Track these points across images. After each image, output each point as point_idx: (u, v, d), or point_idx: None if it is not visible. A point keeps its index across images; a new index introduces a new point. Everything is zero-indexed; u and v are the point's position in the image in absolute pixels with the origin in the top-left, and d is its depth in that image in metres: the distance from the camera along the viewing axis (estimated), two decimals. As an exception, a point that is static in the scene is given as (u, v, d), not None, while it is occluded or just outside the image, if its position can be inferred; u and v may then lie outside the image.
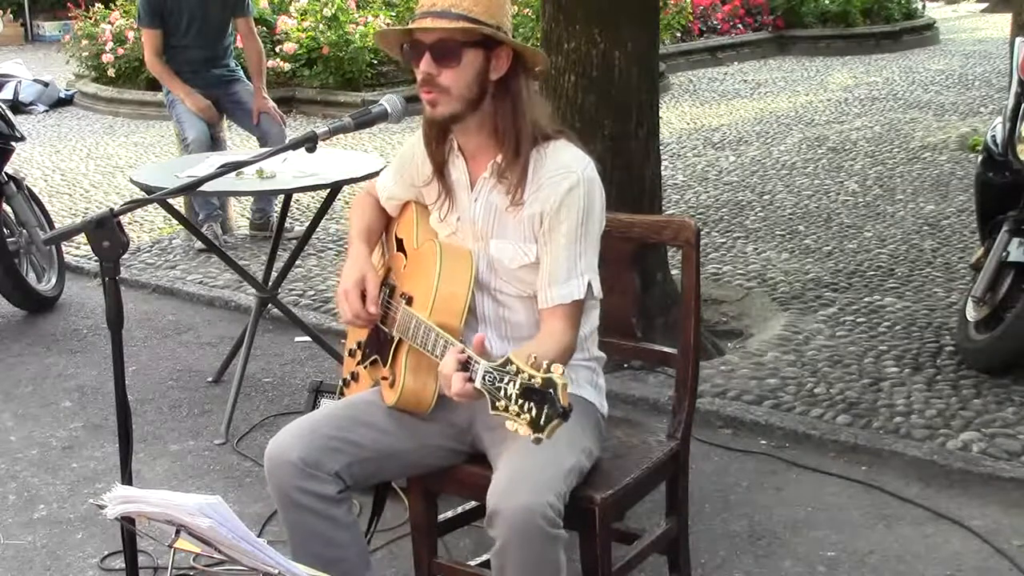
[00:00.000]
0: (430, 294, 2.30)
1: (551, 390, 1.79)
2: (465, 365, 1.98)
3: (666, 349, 2.75)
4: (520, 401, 1.82)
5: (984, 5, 19.04)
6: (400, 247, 2.54)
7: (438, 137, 2.39)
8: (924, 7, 16.09)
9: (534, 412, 1.80)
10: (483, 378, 1.91)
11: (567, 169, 2.28)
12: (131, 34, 10.44)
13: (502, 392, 1.85)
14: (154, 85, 8.74)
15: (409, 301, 2.36)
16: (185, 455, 3.75)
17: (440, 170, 2.41)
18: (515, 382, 1.83)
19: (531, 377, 1.82)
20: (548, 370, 1.82)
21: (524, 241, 2.33)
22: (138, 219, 6.57)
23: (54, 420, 4.05)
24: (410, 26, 2.27)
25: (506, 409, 1.84)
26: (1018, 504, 3.28)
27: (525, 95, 2.30)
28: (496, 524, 2.11)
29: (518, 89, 2.29)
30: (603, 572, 2.35)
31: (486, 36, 2.23)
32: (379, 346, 2.46)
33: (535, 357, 1.85)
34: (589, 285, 2.30)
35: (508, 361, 1.87)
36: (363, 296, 2.41)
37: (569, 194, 2.27)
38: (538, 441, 1.81)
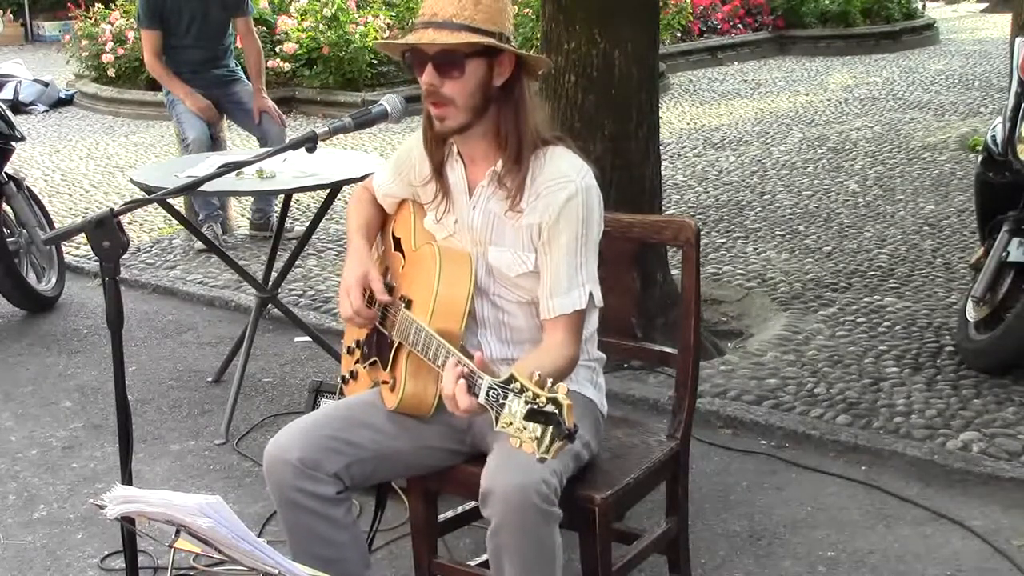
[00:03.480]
0: (430, 299, 2.29)
1: (556, 411, 1.78)
2: (468, 380, 1.97)
3: (666, 349, 2.75)
4: (525, 422, 1.81)
5: (984, 5, 19.04)
6: (397, 246, 2.54)
7: (437, 138, 2.39)
8: (924, 7, 16.09)
9: (539, 432, 1.79)
10: (487, 394, 1.91)
11: (565, 178, 2.28)
12: (131, 34, 10.44)
13: (507, 409, 1.84)
14: (154, 85, 8.74)
15: (408, 305, 2.35)
16: (185, 455, 3.75)
17: (439, 170, 2.41)
18: (519, 400, 1.82)
19: (535, 396, 1.81)
20: (553, 390, 1.81)
21: (523, 250, 2.33)
22: (138, 219, 6.57)
23: (54, 420, 4.05)
24: (411, 40, 2.24)
25: (510, 426, 1.83)
26: (1018, 504, 3.28)
27: (528, 98, 2.30)
28: (490, 503, 2.11)
29: (521, 93, 2.29)
30: (603, 572, 2.35)
31: (488, 46, 2.22)
32: (379, 348, 2.45)
33: (539, 374, 1.84)
34: (591, 295, 2.30)
35: (512, 378, 1.86)
36: (365, 293, 2.41)
37: (567, 204, 2.26)
38: (543, 460, 1.80)
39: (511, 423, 1.83)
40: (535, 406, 1.80)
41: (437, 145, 2.39)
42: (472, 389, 1.96)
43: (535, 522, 2.09)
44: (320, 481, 2.29)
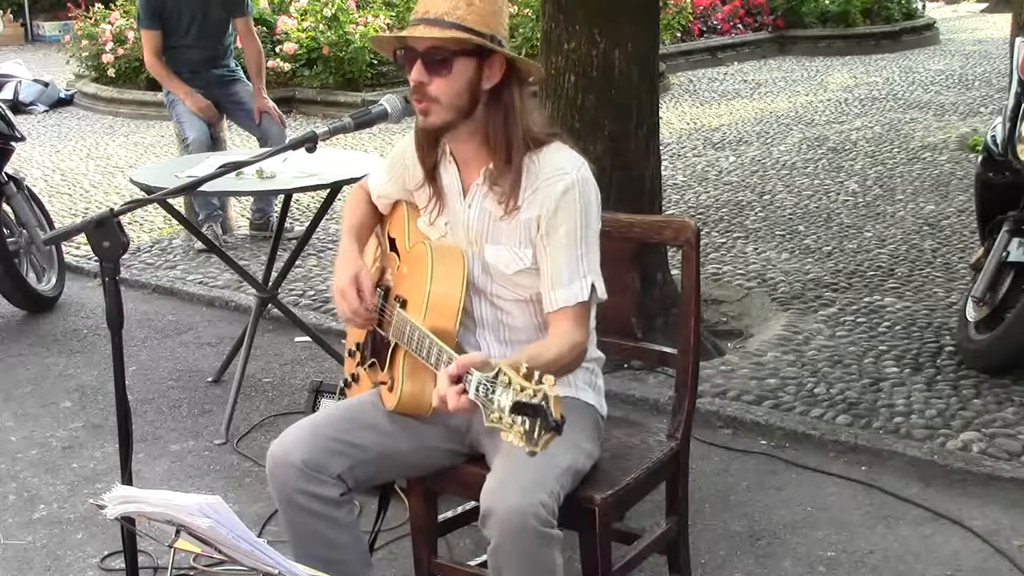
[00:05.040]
0: (423, 297, 2.30)
1: (543, 403, 1.78)
2: (458, 377, 1.97)
3: (666, 349, 2.74)
4: (513, 415, 1.80)
5: (984, 5, 19.04)
6: (393, 247, 2.54)
7: (429, 142, 2.38)
8: (924, 7, 16.09)
9: (527, 425, 1.78)
10: (476, 389, 1.90)
11: (561, 171, 2.27)
12: (131, 34, 10.44)
13: (495, 404, 1.84)
14: (154, 85, 8.74)
15: (403, 304, 2.35)
16: (185, 455, 3.76)
17: (431, 174, 2.40)
18: (507, 394, 1.82)
19: (523, 389, 1.80)
20: (540, 382, 1.80)
21: (519, 246, 2.32)
22: (138, 219, 6.57)
23: (54, 420, 4.05)
24: (403, 33, 2.26)
25: (499, 421, 1.83)
26: (1018, 504, 3.28)
27: (518, 105, 2.27)
28: (489, 524, 2.11)
29: (511, 99, 2.27)
30: (603, 572, 2.35)
31: (478, 46, 2.22)
32: (376, 349, 2.45)
33: (526, 367, 1.84)
34: (593, 287, 2.30)
35: (500, 372, 1.85)
36: (359, 293, 2.41)
37: (564, 196, 2.26)
38: (532, 454, 1.80)
39: (500, 417, 1.82)
40: (522, 399, 1.79)
41: (429, 148, 2.39)
42: (463, 385, 1.96)
43: (533, 545, 2.09)
44: (324, 483, 2.29)
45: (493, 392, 1.85)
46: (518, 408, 1.80)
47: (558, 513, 2.13)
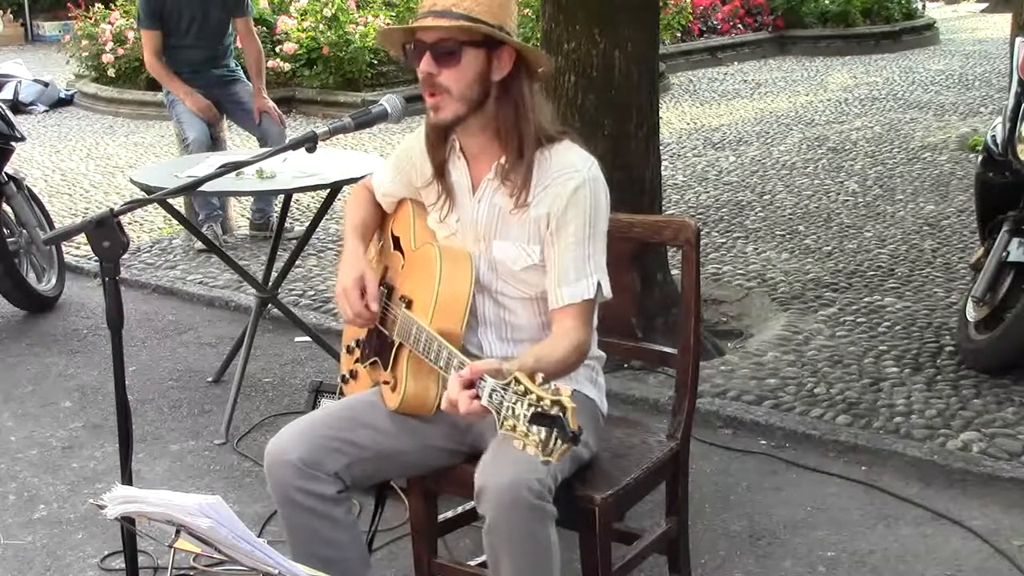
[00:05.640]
0: (431, 299, 2.29)
1: (560, 414, 1.77)
2: (470, 383, 1.97)
3: (666, 349, 2.74)
4: (529, 425, 1.80)
5: (984, 5, 19.04)
6: (396, 245, 2.54)
7: (439, 137, 2.38)
8: (924, 7, 16.10)
9: (543, 435, 1.78)
10: (490, 396, 1.90)
11: (573, 169, 2.28)
12: (131, 34, 10.45)
13: (510, 412, 1.83)
14: (154, 85, 8.74)
15: (409, 305, 2.35)
16: (185, 455, 3.76)
17: (440, 171, 2.41)
18: (523, 402, 1.81)
19: (539, 399, 1.79)
20: (556, 392, 1.79)
21: (528, 242, 2.32)
22: (138, 219, 6.57)
23: (54, 420, 4.05)
24: (410, 25, 2.27)
25: (514, 429, 1.82)
26: (1018, 504, 3.28)
27: (528, 97, 2.29)
28: (483, 500, 2.11)
29: (520, 91, 2.28)
30: (603, 572, 2.35)
31: (486, 36, 2.23)
32: (379, 348, 2.45)
33: (541, 376, 1.84)
34: (599, 285, 2.30)
35: (515, 380, 1.85)
36: (362, 293, 2.41)
37: (575, 194, 2.26)
38: (547, 463, 1.80)
39: (515, 426, 1.82)
40: (539, 409, 1.79)
41: (439, 143, 2.39)
42: (475, 391, 1.96)
43: (528, 519, 2.09)
44: (320, 481, 2.29)
45: (508, 400, 1.85)
46: (535, 419, 1.79)
47: (554, 491, 2.13)
